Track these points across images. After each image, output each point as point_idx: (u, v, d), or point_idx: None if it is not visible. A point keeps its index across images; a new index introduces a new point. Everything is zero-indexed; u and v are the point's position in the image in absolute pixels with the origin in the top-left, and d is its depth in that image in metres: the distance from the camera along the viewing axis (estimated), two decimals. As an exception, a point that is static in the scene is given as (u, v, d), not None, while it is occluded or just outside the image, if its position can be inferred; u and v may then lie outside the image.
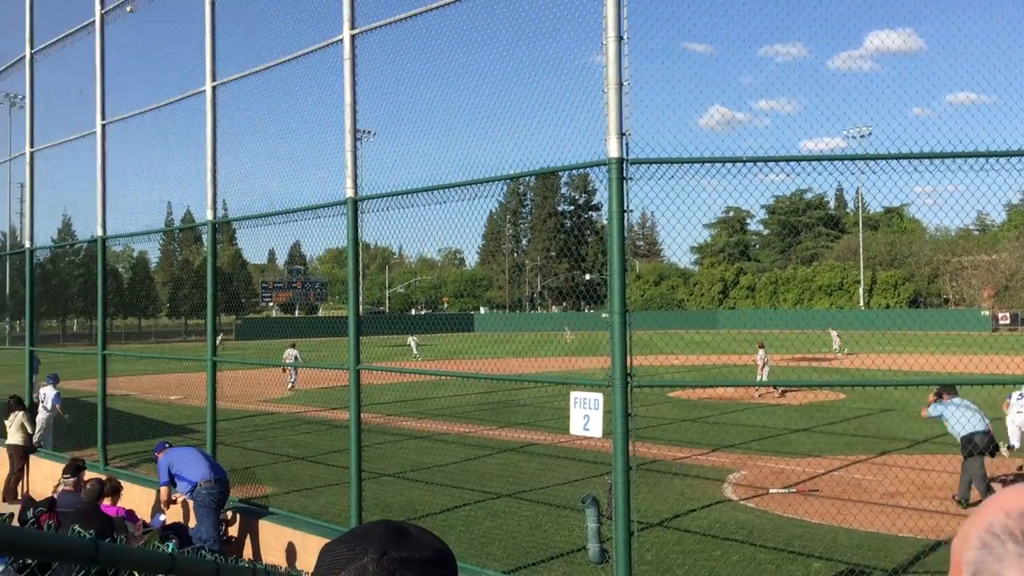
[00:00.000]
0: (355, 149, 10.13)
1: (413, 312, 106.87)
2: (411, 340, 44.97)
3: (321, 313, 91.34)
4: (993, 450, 12.80)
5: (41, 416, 16.40)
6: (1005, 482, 13.10)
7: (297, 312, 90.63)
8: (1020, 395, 14.76)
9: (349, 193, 10.05)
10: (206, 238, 12.59)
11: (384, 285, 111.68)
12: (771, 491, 13.46)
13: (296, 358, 26.50)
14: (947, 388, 13.28)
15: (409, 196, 9.57)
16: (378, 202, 9.99)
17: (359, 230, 10.12)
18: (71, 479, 9.91)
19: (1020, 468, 14.70)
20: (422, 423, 21.49)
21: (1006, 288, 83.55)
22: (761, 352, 28.01)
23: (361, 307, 10.66)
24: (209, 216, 12.31)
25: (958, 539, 1.06)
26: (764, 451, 17.06)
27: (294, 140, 12.18)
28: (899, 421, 20.92)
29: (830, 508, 11.68)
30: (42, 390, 16.84)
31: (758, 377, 28.03)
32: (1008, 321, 74.77)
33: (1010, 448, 14.98)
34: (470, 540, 10.34)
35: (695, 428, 20.26)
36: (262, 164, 12.71)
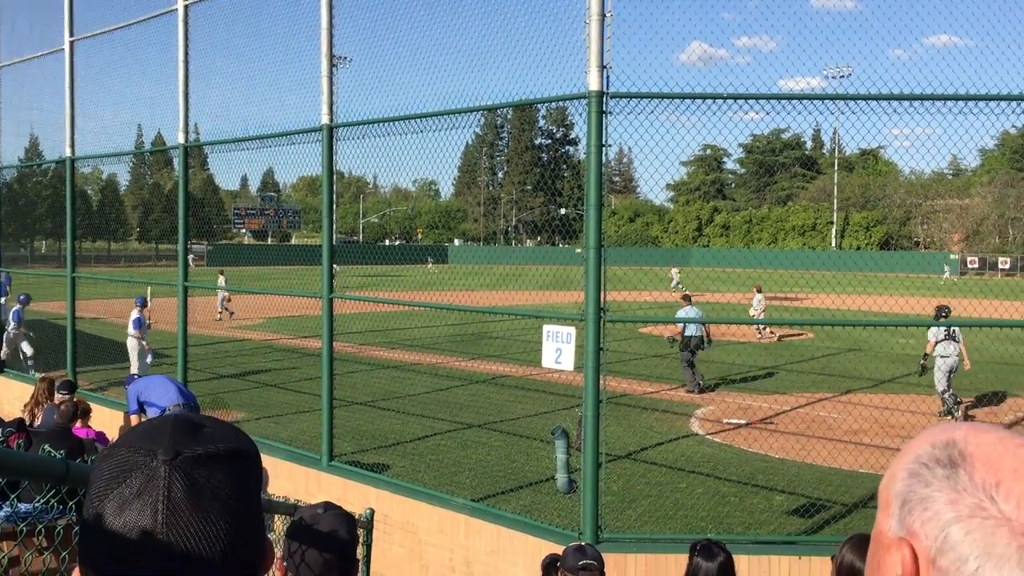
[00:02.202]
0: (331, 74, 9.96)
1: (387, 242, 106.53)
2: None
3: (294, 241, 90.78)
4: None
5: (9, 334, 16.30)
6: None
7: (270, 239, 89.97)
8: (947, 336, 14.71)
9: (325, 120, 9.91)
10: (177, 162, 12.41)
11: (358, 214, 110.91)
12: (724, 421, 13.88)
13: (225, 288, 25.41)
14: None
15: (385, 124, 9.46)
16: (354, 130, 9.86)
17: (334, 158, 10.01)
18: (67, 395, 9.84)
19: (966, 409, 14.93)
20: (394, 353, 21.59)
21: (976, 233, 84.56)
22: (758, 296, 27.25)
23: (335, 236, 10.59)
24: (181, 140, 12.10)
25: (885, 479, 1.09)
26: (731, 388, 17.34)
27: (269, 64, 11.95)
28: (864, 360, 21.29)
29: (794, 444, 11.94)
30: (12, 310, 16.73)
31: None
32: (977, 265, 75.80)
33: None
34: (440, 468, 10.48)
35: (665, 364, 20.49)
36: (236, 88, 12.49)
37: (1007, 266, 73.94)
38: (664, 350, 21.14)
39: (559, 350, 8.38)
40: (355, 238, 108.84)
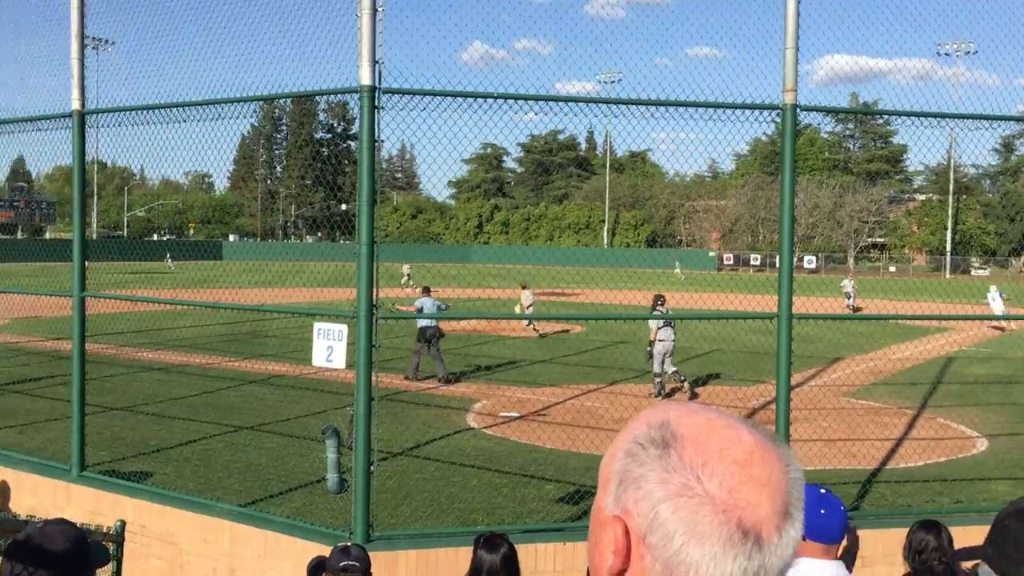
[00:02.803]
0: (82, 56, 9.26)
1: (156, 237, 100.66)
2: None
3: (49, 235, 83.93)
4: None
5: None
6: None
7: (20, 234, 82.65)
8: (666, 324, 16.18)
9: (75, 105, 9.20)
10: None
11: (123, 208, 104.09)
12: (500, 414, 14.25)
13: None
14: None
15: (147, 112, 8.91)
16: (113, 118, 9.22)
17: (89, 147, 9.33)
18: None
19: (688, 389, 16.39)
20: (159, 354, 20.43)
21: (731, 231, 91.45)
22: (526, 293, 27.89)
23: (95, 231, 9.87)
24: None
25: (605, 458, 1.13)
26: (507, 381, 17.74)
27: (18, 44, 10.91)
28: (631, 352, 22.45)
29: (562, 434, 12.38)
30: None
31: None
32: (732, 262, 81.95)
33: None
34: (207, 474, 10.03)
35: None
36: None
37: (758, 263, 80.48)
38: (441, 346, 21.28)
39: (330, 348, 8.22)
40: (120, 233, 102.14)
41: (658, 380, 16.23)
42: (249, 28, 8.70)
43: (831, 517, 3.14)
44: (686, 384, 16.27)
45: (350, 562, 4.29)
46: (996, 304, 30.97)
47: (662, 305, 15.98)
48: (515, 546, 4.83)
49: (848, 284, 37.21)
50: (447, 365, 17.64)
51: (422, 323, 17.31)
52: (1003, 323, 30.03)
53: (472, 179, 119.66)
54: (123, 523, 6.82)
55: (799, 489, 1.05)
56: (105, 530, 6.03)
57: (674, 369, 16.45)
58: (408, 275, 44.69)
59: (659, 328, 16.02)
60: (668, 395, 16.33)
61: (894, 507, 9.31)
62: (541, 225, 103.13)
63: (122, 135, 9.25)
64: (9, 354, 19.94)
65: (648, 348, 16.51)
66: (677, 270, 62.03)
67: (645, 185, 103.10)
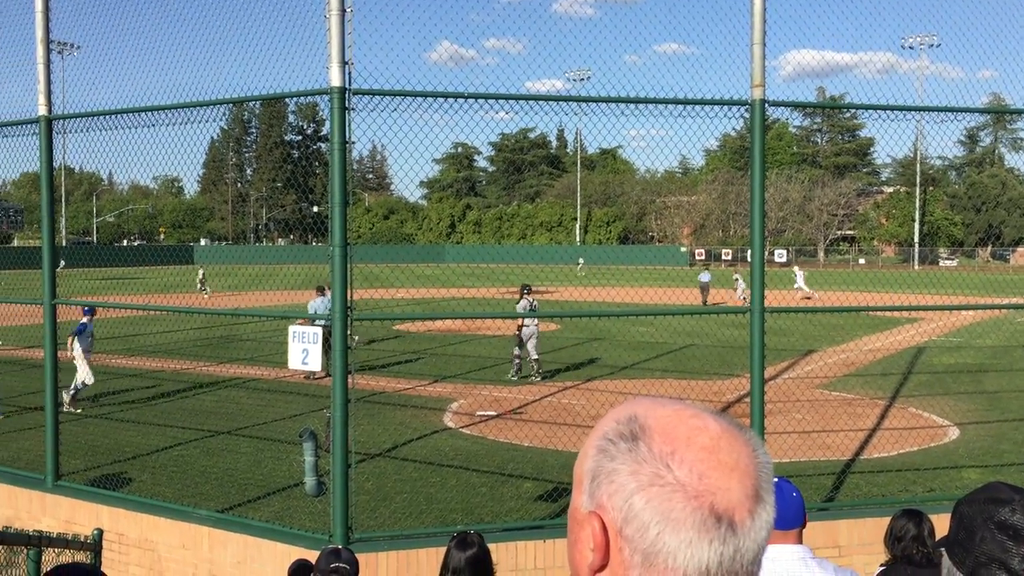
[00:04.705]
0: (48, 61, 9.17)
1: (125, 243, 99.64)
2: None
3: (16, 242, 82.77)
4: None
5: None
6: None
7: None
8: (531, 307, 17.71)
9: (42, 111, 9.12)
10: None
11: (92, 213, 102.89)
12: (477, 413, 14.26)
13: None
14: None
15: (114, 117, 8.84)
16: (80, 123, 9.13)
17: (57, 152, 9.24)
18: None
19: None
20: (133, 360, 20.24)
21: (702, 227, 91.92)
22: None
23: (65, 237, 9.77)
24: None
25: (578, 458, 1.15)
26: (483, 380, 17.76)
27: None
28: (605, 349, 22.55)
29: (539, 432, 12.42)
30: None
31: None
32: (703, 257, 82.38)
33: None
34: (183, 480, 9.97)
35: (418, 360, 20.66)
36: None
37: (729, 257, 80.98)
38: (416, 347, 21.28)
39: (306, 351, 8.21)
40: (88, 239, 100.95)
41: (517, 361, 18.07)
42: (217, 31, 8.65)
43: (783, 503, 3.23)
44: (540, 377, 17.96)
45: (340, 564, 4.29)
46: (800, 280, 39.17)
47: (528, 294, 17.92)
48: (493, 546, 4.84)
49: (736, 276, 39.08)
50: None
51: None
52: (810, 292, 38.43)
53: (444, 179, 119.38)
54: (100, 531, 6.80)
55: (768, 473, 1.07)
56: (83, 539, 5.99)
57: (536, 356, 18.06)
58: (202, 280, 40.10)
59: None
60: (524, 377, 17.96)
61: (869, 496, 9.44)
62: (514, 224, 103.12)
63: (90, 140, 9.17)
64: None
65: (517, 333, 18.05)
66: (580, 265, 62.92)
67: (616, 182, 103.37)
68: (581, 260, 65.27)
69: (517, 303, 18.28)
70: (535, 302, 18.63)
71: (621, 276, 47.36)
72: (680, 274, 51.57)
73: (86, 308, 14.95)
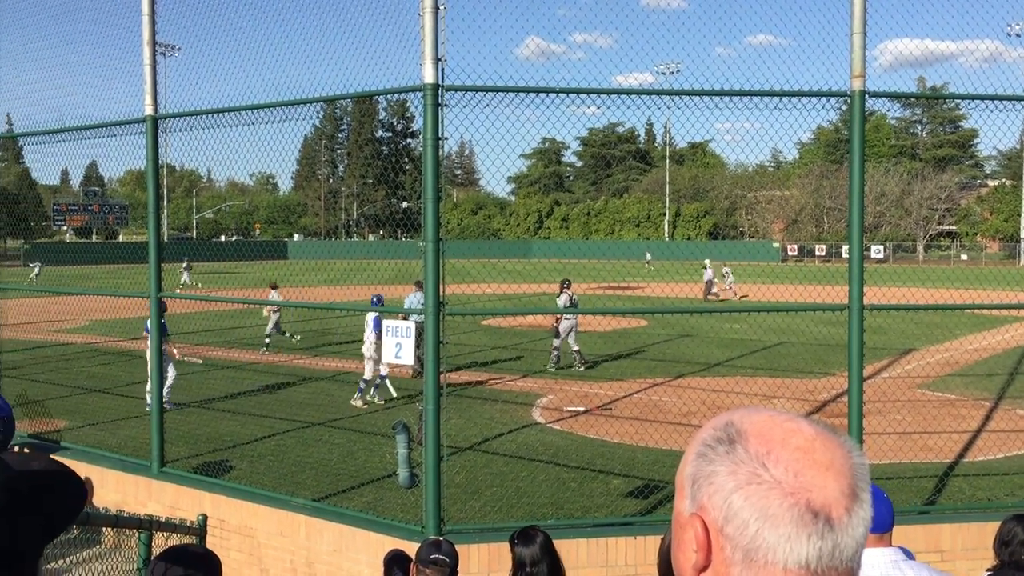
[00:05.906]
0: (154, 63, 9.52)
1: (223, 238, 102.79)
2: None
3: (122, 238, 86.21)
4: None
5: None
6: None
7: (95, 236, 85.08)
8: (570, 302, 18.11)
9: (148, 111, 9.46)
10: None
11: (191, 209, 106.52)
12: (566, 409, 14.23)
13: None
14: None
15: (215, 116, 9.13)
16: (182, 122, 9.47)
17: (160, 150, 9.58)
18: None
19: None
20: (230, 352, 20.89)
21: (795, 222, 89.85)
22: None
23: (166, 232, 10.14)
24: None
25: (680, 467, 1.21)
26: (571, 376, 17.74)
27: (90, 51, 11.26)
28: (695, 345, 22.27)
29: (629, 428, 12.34)
30: None
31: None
32: (796, 253, 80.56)
33: None
34: (280, 469, 10.24)
35: (507, 355, 20.77)
36: (53, 76, 11.70)
37: (823, 253, 78.96)
38: (505, 341, 21.39)
39: (399, 345, 8.33)
40: (188, 234, 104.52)
41: (556, 353, 18.45)
42: (311, 30, 8.85)
43: (876, 507, 3.17)
44: (583, 367, 18.26)
45: (440, 556, 4.36)
46: (708, 274, 36.41)
47: (567, 288, 18.39)
48: (584, 541, 4.84)
49: (726, 270, 38.62)
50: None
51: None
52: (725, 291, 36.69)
53: (532, 174, 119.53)
54: (205, 517, 7.04)
55: (864, 473, 1.11)
56: (189, 524, 6.23)
57: (576, 348, 18.40)
58: (187, 274, 37.23)
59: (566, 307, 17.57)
60: (565, 367, 18.30)
61: (973, 500, 9.10)
62: (601, 219, 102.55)
63: (191, 138, 9.49)
64: (89, 354, 20.60)
65: (555, 325, 18.56)
66: (648, 260, 62.27)
67: (706, 176, 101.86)
68: (648, 255, 64.84)
69: (557, 297, 18.67)
70: (575, 296, 19.05)
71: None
72: (772, 270, 50.53)
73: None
